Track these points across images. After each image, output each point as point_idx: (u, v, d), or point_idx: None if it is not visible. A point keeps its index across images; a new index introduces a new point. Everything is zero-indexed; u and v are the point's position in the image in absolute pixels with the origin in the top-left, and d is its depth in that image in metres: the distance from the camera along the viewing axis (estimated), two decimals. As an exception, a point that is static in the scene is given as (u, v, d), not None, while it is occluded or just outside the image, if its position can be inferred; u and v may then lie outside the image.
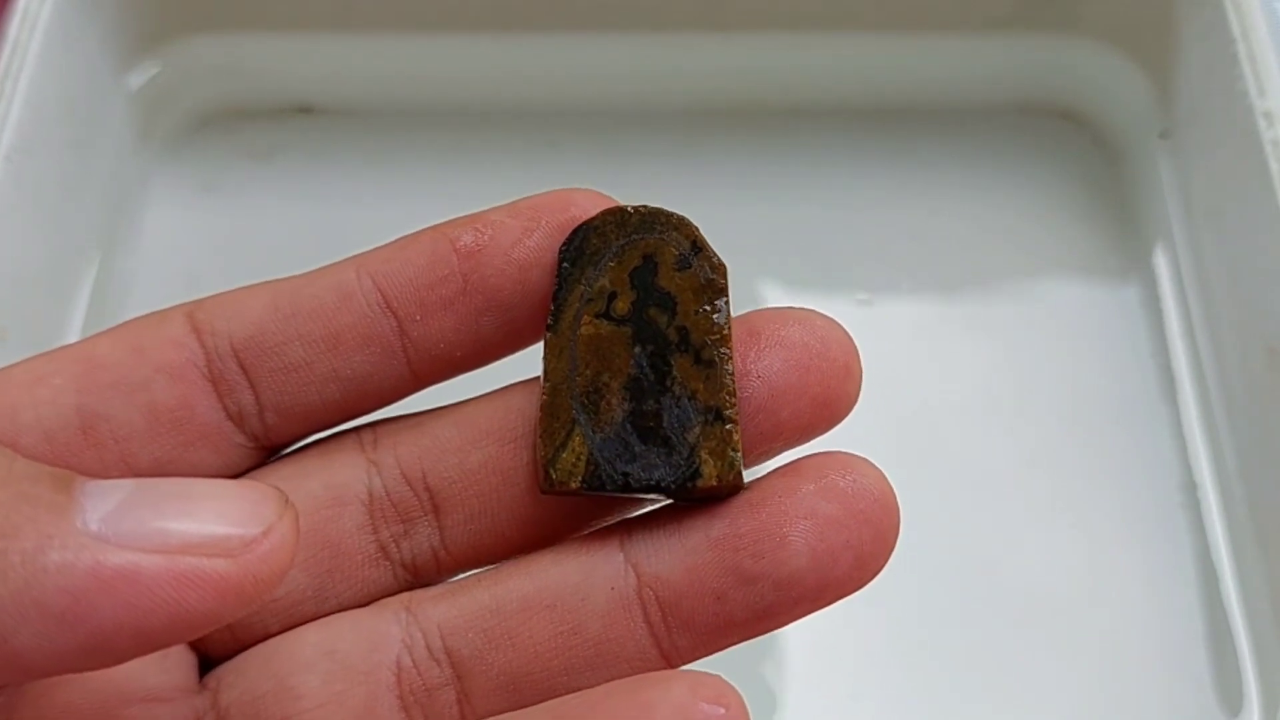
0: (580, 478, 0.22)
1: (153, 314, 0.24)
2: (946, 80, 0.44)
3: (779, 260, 0.41)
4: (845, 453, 0.23)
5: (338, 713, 0.23)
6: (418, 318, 0.24)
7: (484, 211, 0.24)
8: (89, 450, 0.23)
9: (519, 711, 0.22)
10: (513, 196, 0.44)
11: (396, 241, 0.25)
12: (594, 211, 0.24)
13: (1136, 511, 0.37)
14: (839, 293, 0.41)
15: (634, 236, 0.23)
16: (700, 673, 0.21)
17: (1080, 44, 0.43)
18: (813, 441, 0.23)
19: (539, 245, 0.24)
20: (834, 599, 0.23)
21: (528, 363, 0.25)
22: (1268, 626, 0.34)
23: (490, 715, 0.23)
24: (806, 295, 0.40)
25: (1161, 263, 0.41)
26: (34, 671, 0.18)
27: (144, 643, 0.18)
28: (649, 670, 0.22)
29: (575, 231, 0.23)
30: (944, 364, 0.39)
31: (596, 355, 0.23)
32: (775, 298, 0.40)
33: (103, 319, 0.39)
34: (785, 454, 0.24)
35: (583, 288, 0.23)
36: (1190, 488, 0.37)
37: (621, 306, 0.23)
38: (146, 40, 0.42)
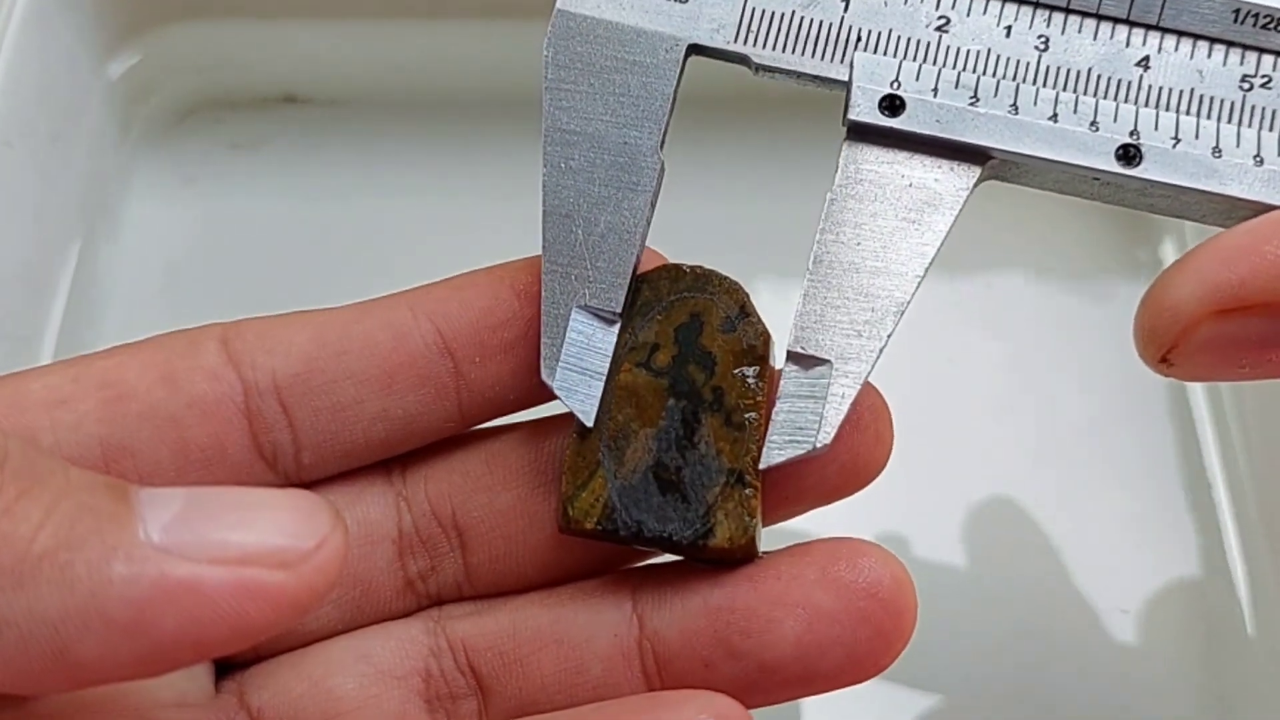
0: (596, 519, 0.23)
1: (183, 335, 0.24)
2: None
3: (778, 257, 0.40)
4: (861, 541, 0.23)
5: (374, 716, 0.23)
6: (476, 360, 0.24)
7: (539, 257, 0.25)
8: None
9: (538, 717, 0.23)
10: (504, 188, 0.43)
11: (451, 281, 0.25)
12: (647, 266, 0.24)
13: (1146, 511, 0.37)
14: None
15: (685, 294, 0.24)
16: (711, 693, 0.21)
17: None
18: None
19: None
20: (827, 689, 0.23)
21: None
22: (1280, 629, 0.34)
23: None
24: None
25: (1171, 257, 0.40)
26: (94, 680, 0.18)
27: (203, 652, 0.18)
28: None
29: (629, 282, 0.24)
30: (949, 361, 0.39)
31: (630, 402, 0.23)
32: (773, 297, 0.39)
33: (83, 314, 0.39)
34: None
35: (628, 336, 0.24)
36: (1201, 487, 0.37)
37: (662, 359, 0.24)
38: (126, 29, 0.42)
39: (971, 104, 0.23)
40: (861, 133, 0.23)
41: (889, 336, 0.23)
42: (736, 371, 0.23)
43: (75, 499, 0.18)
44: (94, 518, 0.18)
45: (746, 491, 0.23)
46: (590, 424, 0.23)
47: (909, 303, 0.23)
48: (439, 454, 0.25)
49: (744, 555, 0.23)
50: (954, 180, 0.23)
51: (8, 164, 0.36)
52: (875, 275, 0.23)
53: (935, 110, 0.23)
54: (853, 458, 0.24)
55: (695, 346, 0.24)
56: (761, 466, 0.23)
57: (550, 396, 0.25)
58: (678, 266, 0.24)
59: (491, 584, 0.25)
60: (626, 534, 0.23)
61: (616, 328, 0.23)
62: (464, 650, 0.24)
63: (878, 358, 0.23)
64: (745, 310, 0.24)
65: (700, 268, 0.24)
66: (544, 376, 0.23)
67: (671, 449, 0.23)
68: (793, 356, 0.23)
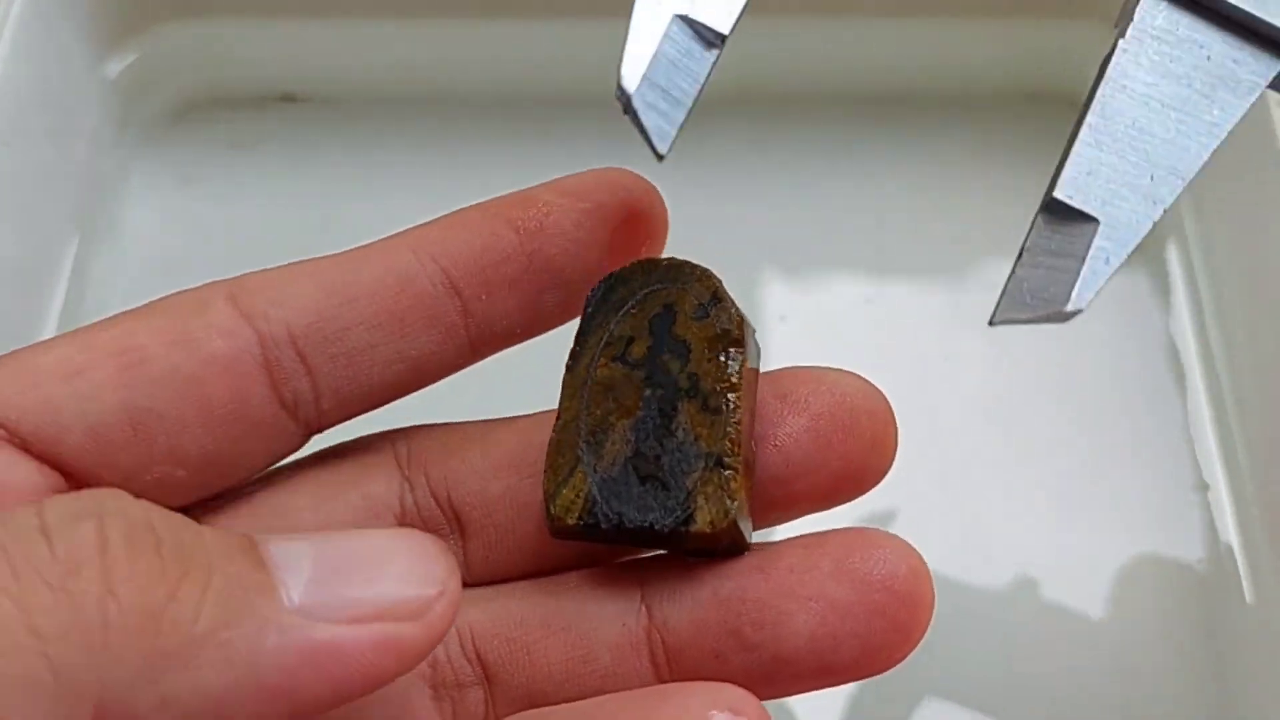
0: (577, 514, 0.23)
1: (188, 295, 0.24)
2: (953, 67, 0.43)
3: (779, 253, 0.40)
4: (878, 532, 0.23)
5: (381, 704, 0.23)
6: (483, 297, 0.24)
7: (530, 191, 0.25)
8: (138, 445, 0.23)
9: (542, 710, 0.23)
10: (502, 188, 0.43)
11: (445, 220, 0.25)
12: (638, 192, 0.25)
13: (1146, 511, 0.36)
14: (841, 286, 0.40)
15: (657, 286, 0.24)
16: (720, 684, 0.21)
17: (1090, 30, 0.42)
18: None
19: (596, 224, 0.24)
20: (841, 681, 0.22)
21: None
22: (1282, 630, 0.34)
23: None
24: (808, 289, 0.40)
25: (1172, 255, 0.40)
26: None
27: (338, 703, 0.19)
28: None
29: (603, 281, 0.24)
30: (949, 358, 0.39)
31: (608, 396, 0.23)
32: (775, 292, 0.39)
33: (80, 313, 0.39)
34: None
35: (604, 332, 0.24)
36: (1201, 487, 0.37)
37: (637, 351, 0.23)
38: (123, 27, 0.41)
39: None
40: None
41: (1165, 211, 0.21)
42: (711, 356, 0.23)
43: (224, 573, 0.18)
44: (243, 591, 0.18)
45: (726, 473, 0.22)
46: (664, 150, 0.21)
47: (1189, 183, 0.21)
48: (438, 436, 0.25)
49: (729, 540, 0.22)
50: (1254, 67, 0.22)
51: (4, 163, 0.36)
52: (1159, 141, 0.21)
53: None
54: (846, 465, 0.23)
55: (669, 336, 0.23)
56: (994, 323, 0.21)
57: (553, 326, 0.25)
58: (651, 259, 0.24)
59: (486, 573, 0.25)
60: (608, 527, 0.22)
61: (714, 55, 0.21)
62: (471, 637, 0.24)
63: (1150, 230, 0.21)
64: (718, 296, 0.24)
65: (673, 259, 0.24)
66: (624, 85, 0.21)
67: (650, 438, 0.23)
68: (1053, 206, 0.21)
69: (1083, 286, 0.21)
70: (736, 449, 0.22)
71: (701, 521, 0.22)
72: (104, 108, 0.41)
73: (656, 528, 0.22)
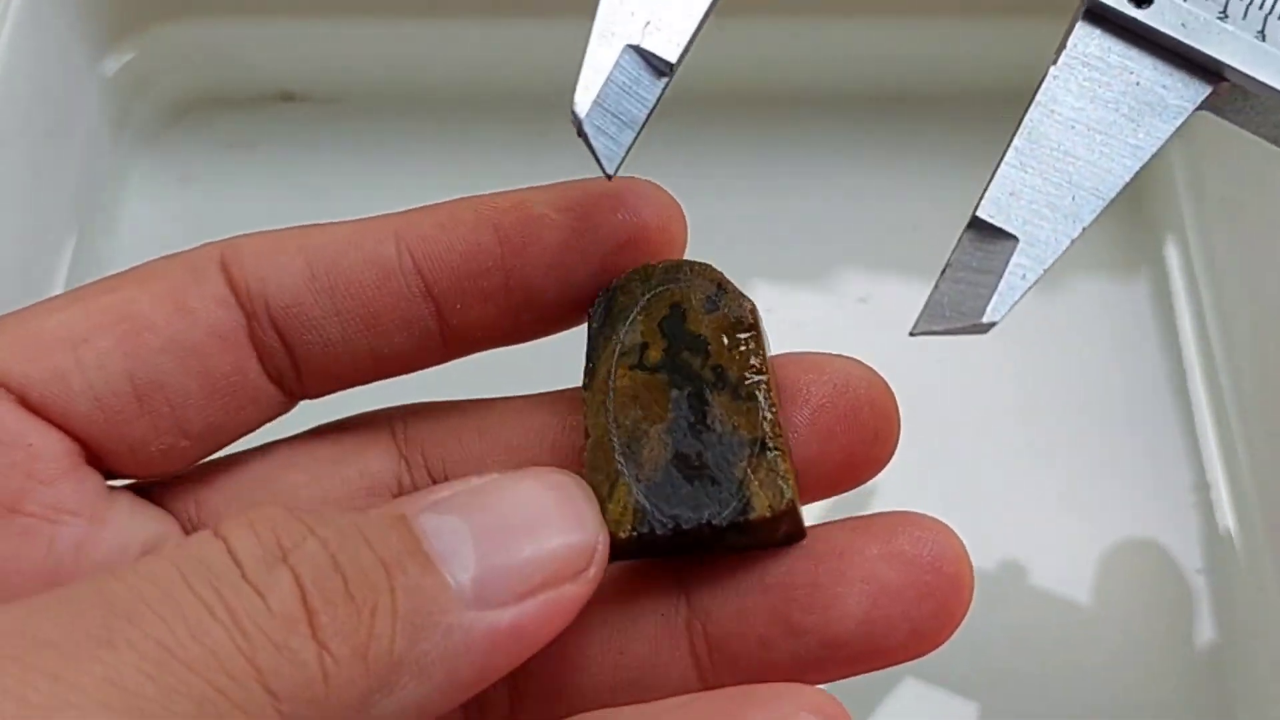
0: (629, 526, 0.22)
1: (182, 259, 0.24)
2: (949, 67, 0.43)
3: (777, 254, 0.40)
4: (921, 515, 0.23)
5: None
6: (458, 307, 0.24)
7: (528, 195, 0.24)
8: (143, 417, 0.23)
9: (605, 711, 0.22)
10: (500, 187, 0.43)
11: (436, 215, 0.24)
12: (646, 211, 0.24)
13: (1147, 510, 0.36)
14: (838, 288, 0.40)
15: (659, 288, 0.24)
16: (802, 686, 0.21)
17: (1089, 28, 0.42)
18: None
19: (586, 247, 0.24)
20: (887, 664, 0.22)
21: (560, 362, 0.24)
22: (1282, 630, 0.34)
23: None
24: (804, 290, 0.40)
25: (1173, 255, 0.40)
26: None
27: (512, 668, 0.20)
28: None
29: (601, 294, 0.24)
30: (947, 360, 0.39)
31: (634, 405, 0.23)
32: (772, 294, 0.39)
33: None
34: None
35: (614, 344, 0.23)
36: (1202, 487, 0.37)
37: (654, 356, 0.23)
38: (122, 25, 0.41)
39: (1220, 18, 0.22)
40: (1098, 18, 0.23)
41: (1083, 230, 0.22)
42: (731, 346, 0.23)
43: (403, 588, 0.19)
44: (420, 600, 0.19)
45: (772, 455, 0.22)
46: (612, 171, 0.22)
47: (1110, 202, 0.22)
48: (437, 416, 0.25)
49: (789, 525, 0.22)
50: (1182, 91, 0.23)
51: (3, 161, 0.36)
52: (1082, 163, 0.22)
53: (1183, 13, 0.22)
54: (848, 456, 0.23)
55: (683, 334, 0.23)
56: (913, 333, 0.22)
57: (533, 338, 0.25)
58: (646, 265, 0.24)
59: None
60: (664, 533, 0.22)
61: (664, 83, 0.22)
62: None
63: (1068, 248, 0.22)
64: (723, 287, 0.23)
65: (668, 260, 0.24)
66: (575, 109, 0.22)
67: (687, 437, 0.22)
68: (976, 224, 0.22)
69: (999, 300, 0.22)
70: (778, 430, 0.22)
71: (760, 507, 0.22)
72: (102, 106, 0.41)
73: (715, 522, 0.22)
